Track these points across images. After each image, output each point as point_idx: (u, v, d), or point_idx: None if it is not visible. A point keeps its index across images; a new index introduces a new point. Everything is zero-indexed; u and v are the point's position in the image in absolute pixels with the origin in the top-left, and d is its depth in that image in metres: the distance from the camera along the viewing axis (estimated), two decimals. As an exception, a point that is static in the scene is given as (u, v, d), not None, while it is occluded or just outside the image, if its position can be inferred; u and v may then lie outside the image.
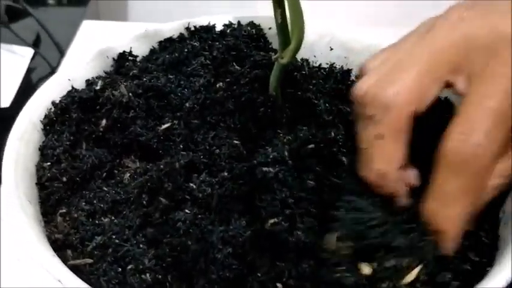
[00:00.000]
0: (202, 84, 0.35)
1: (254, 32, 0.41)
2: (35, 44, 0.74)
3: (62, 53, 0.71)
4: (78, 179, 0.31)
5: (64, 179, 0.31)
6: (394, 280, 0.26)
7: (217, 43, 0.38)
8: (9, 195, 0.28)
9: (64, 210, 0.30)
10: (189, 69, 0.36)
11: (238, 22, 0.42)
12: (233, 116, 0.33)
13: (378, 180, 0.28)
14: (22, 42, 0.71)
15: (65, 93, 0.35)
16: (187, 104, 0.34)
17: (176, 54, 0.38)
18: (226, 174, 0.29)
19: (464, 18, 0.28)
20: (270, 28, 0.41)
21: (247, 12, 0.42)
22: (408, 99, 0.27)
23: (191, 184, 0.29)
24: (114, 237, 0.28)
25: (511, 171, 0.28)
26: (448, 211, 0.27)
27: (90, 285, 0.25)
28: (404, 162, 0.28)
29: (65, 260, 0.27)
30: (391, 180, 0.28)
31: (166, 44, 0.40)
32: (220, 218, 0.27)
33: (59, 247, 0.28)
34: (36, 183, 0.32)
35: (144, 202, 0.29)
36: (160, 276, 0.26)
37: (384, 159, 0.28)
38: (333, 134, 0.33)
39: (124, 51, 0.39)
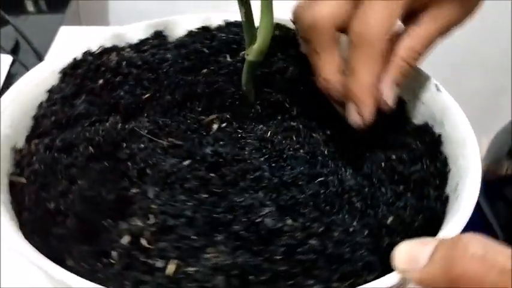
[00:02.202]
0: (186, 66, 0.39)
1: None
2: (14, 51, 0.75)
3: (40, 59, 0.72)
4: (64, 121, 0.37)
5: (53, 118, 0.37)
6: None
7: (222, 34, 0.42)
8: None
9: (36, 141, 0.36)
10: (184, 51, 0.40)
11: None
12: (199, 99, 0.36)
13: (324, 85, 0.34)
14: (1, 49, 0.72)
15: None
16: (165, 82, 0.38)
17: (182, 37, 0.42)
18: (170, 140, 0.33)
19: None
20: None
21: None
22: (328, 19, 0.33)
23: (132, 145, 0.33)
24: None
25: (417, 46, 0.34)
26: (356, 80, 0.32)
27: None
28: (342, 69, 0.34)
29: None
30: (334, 84, 0.34)
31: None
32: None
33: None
34: (33, 117, 0.38)
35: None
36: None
37: (324, 68, 0.34)
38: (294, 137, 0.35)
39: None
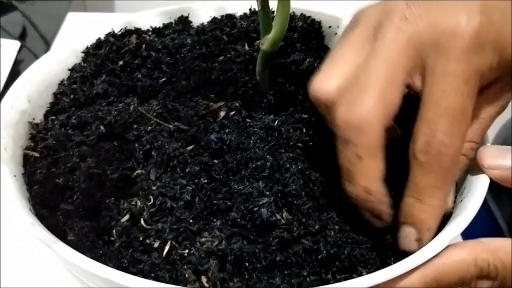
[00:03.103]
0: (204, 53, 0.39)
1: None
2: (21, 37, 0.75)
3: (48, 45, 0.72)
4: (82, 100, 0.37)
5: (72, 96, 0.38)
6: None
7: (244, 23, 0.42)
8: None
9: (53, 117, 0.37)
10: (204, 37, 0.41)
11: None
12: (213, 86, 0.36)
13: (364, 195, 0.29)
14: (8, 35, 0.72)
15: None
16: (181, 67, 0.38)
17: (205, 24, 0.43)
18: (176, 124, 0.34)
19: (407, 17, 0.28)
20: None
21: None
22: (377, 118, 0.28)
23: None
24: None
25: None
26: (424, 204, 0.28)
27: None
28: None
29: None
30: (376, 193, 0.29)
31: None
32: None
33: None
34: (53, 93, 0.39)
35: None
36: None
37: (367, 176, 0.29)
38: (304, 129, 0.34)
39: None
